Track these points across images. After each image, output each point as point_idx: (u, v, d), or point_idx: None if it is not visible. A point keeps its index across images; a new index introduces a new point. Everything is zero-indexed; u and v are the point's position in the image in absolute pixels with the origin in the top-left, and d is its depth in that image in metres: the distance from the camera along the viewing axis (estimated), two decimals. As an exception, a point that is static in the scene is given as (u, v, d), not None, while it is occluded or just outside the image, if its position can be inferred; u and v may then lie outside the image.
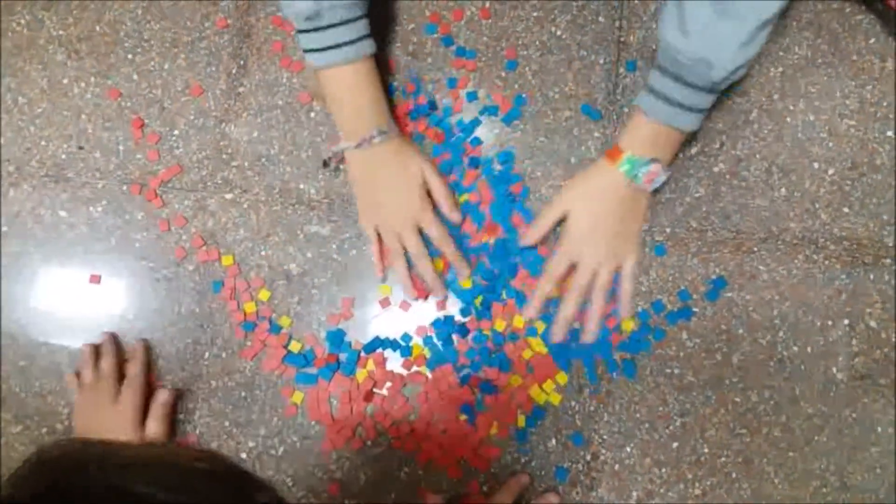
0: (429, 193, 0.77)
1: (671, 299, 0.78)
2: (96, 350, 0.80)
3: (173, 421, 0.79)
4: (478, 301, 0.78)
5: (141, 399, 0.77)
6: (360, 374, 0.78)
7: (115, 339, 0.81)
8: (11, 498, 0.31)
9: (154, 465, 0.34)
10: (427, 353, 0.78)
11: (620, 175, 0.72)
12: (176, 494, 0.32)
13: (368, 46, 0.72)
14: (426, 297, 0.79)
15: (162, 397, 0.77)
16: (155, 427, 0.76)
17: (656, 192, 0.78)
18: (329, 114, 0.83)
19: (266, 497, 0.38)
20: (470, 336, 0.78)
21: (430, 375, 0.77)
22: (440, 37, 0.83)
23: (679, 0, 0.64)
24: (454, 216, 0.77)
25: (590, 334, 0.76)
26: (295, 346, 0.79)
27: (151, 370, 0.81)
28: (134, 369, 0.78)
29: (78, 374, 0.80)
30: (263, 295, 0.80)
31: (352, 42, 0.70)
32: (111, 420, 0.75)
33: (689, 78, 0.66)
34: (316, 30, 0.69)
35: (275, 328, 0.80)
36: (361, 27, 0.71)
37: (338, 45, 0.70)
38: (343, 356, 0.78)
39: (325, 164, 0.81)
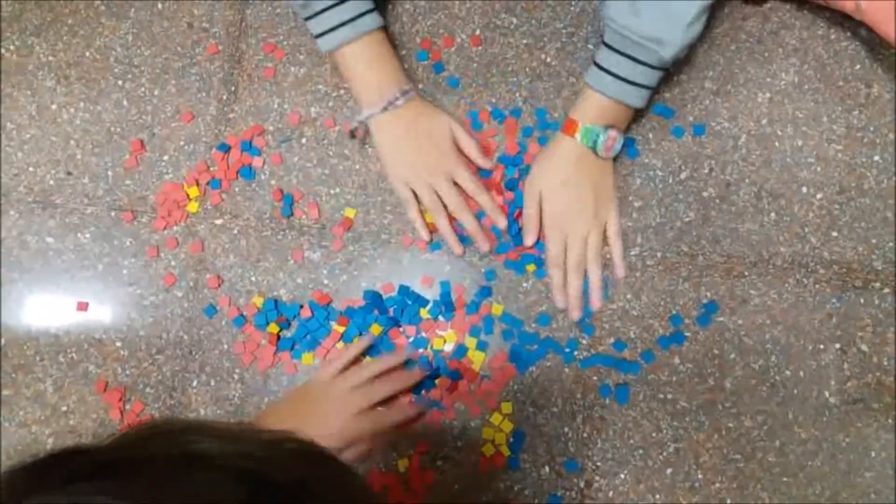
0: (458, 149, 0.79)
1: (663, 324, 0.78)
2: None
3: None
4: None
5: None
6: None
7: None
8: (90, 449, 0.32)
9: (239, 437, 0.35)
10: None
11: (579, 145, 0.74)
12: (253, 463, 0.33)
13: (370, 21, 0.74)
14: (463, 253, 0.79)
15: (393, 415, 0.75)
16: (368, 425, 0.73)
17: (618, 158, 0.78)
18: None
19: (353, 480, 0.39)
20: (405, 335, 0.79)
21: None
22: (431, 63, 0.83)
23: None
24: (487, 163, 0.79)
25: (597, 301, 0.78)
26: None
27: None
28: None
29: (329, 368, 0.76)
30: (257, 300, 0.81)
31: (351, 21, 0.73)
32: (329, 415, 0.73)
33: (639, 56, 0.69)
34: (314, 16, 0.73)
35: (260, 322, 0.79)
36: (358, 5, 0.73)
37: (337, 27, 0.73)
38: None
39: (352, 134, 0.80)
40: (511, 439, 0.76)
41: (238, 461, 0.32)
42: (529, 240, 0.78)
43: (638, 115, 0.79)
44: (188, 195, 0.82)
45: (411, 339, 0.78)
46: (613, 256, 0.78)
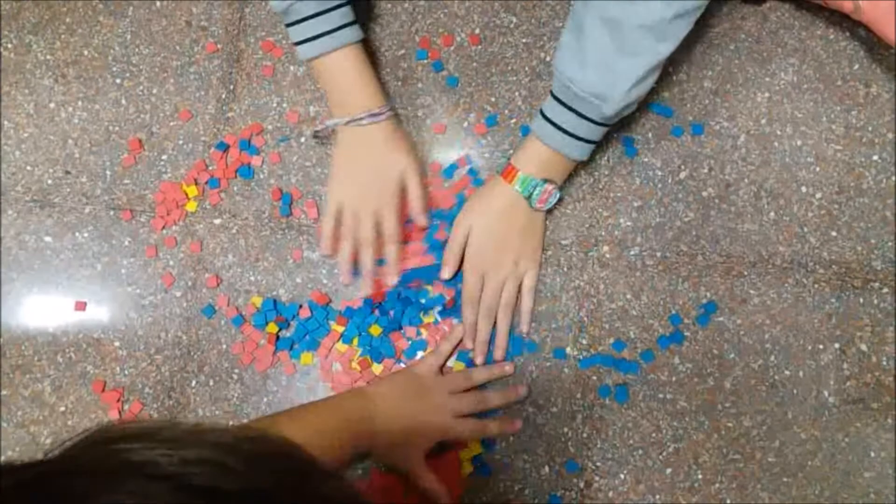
0: (404, 191, 0.77)
1: (662, 324, 0.78)
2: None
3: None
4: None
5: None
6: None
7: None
8: (20, 466, 0.31)
9: (193, 443, 0.32)
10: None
11: (515, 193, 0.74)
12: (203, 468, 0.30)
13: (350, 34, 0.73)
14: (349, 283, 0.79)
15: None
16: (427, 478, 0.72)
17: (551, 211, 0.78)
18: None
19: (329, 487, 0.36)
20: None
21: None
22: (430, 62, 0.83)
23: (578, 32, 0.66)
24: (421, 219, 0.78)
25: (500, 351, 0.77)
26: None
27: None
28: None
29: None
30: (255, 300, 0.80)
31: (330, 32, 0.72)
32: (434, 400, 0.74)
33: (581, 109, 0.68)
34: (295, 23, 0.72)
35: (259, 322, 0.79)
36: (339, 17, 0.72)
37: (317, 36, 0.72)
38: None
39: (316, 135, 0.81)
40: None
41: (182, 468, 0.30)
42: (447, 273, 0.77)
43: (637, 113, 0.79)
44: (187, 194, 0.82)
45: (411, 342, 0.78)
46: (522, 311, 0.78)
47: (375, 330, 0.77)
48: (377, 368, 0.78)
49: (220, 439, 0.33)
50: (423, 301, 0.78)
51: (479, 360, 0.77)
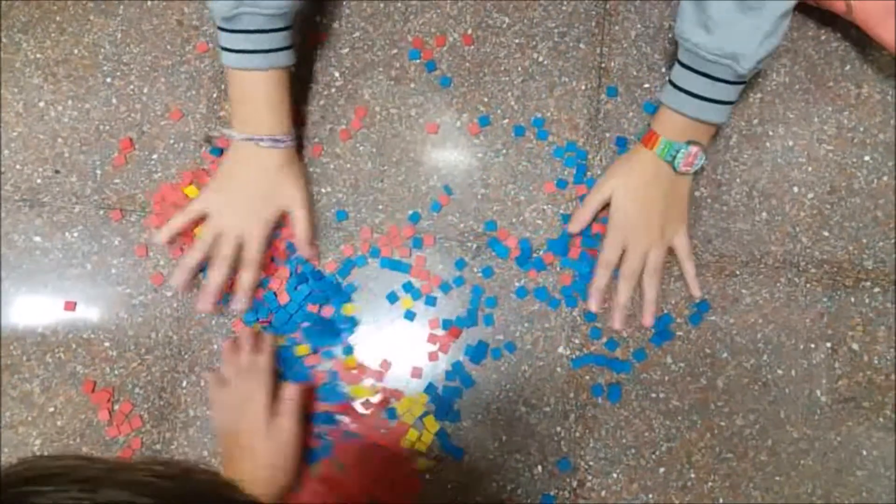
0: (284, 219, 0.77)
1: (655, 323, 0.78)
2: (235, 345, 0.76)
3: (306, 417, 0.75)
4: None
5: (267, 394, 0.72)
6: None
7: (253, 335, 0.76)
8: None
9: (108, 484, 0.31)
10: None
11: (658, 159, 0.73)
12: None
13: (283, 59, 0.72)
14: (161, 283, 0.79)
15: (288, 392, 0.72)
16: (287, 423, 0.71)
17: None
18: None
19: None
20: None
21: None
22: (423, 62, 0.83)
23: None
24: (306, 251, 0.77)
25: (649, 318, 0.76)
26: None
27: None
28: (262, 362, 0.74)
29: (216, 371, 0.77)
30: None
31: (265, 51, 0.70)
32: (246, 418, 0.71)
33: (714, 73, 0.67)
34: (233, 31, 0.69)
35: (249, 319, 0.78)
36: (279, 39, 0.71)
37: (251, 51, 0.70)
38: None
39: (208, 140, 0.80)
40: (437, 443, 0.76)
41: None
42: (575, 226, 0.77)
43: (629, 114, 0.79)
44: (187, 196, 0.81)
45: (331, 375, 0.78)
46: (687, 278, 0.77)
47: (303, 350, 0.77)
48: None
49: (139, 478, 0.32)
50: (341, 325, 0.78)
51: (617, 324, 0.76)
